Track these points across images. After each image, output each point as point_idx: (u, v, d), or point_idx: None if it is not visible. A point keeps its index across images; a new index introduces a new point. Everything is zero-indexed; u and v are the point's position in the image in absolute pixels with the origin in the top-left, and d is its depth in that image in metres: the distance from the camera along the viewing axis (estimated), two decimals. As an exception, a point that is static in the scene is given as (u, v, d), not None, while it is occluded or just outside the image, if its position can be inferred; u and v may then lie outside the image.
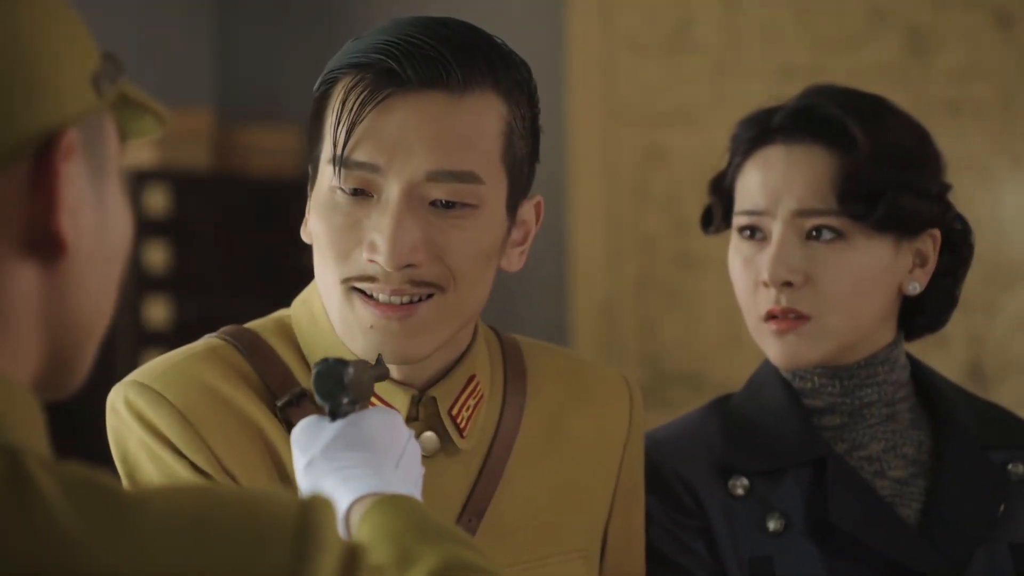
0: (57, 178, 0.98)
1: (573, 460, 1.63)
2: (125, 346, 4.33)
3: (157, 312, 4.40)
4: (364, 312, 1.49)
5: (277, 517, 0.92)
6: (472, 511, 1.55)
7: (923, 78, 3.87)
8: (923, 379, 1.89)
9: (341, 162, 1.47)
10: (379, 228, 1.46)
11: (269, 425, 1.51)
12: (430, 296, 1.49)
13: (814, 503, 1.80)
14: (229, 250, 4.54)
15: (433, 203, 1.48)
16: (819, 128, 1.81)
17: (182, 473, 1.48)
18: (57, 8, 1.00)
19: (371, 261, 1.47)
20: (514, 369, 1.64)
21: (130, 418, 1.49)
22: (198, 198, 4.53)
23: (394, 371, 1.53)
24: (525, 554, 1.58)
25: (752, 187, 1.83)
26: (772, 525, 1.79)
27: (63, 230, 0.98)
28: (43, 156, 0.98)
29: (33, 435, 0.96)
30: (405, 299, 1.48)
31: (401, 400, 1.54)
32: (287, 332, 1.57)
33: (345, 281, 1.49)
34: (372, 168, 1.47)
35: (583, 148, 4.22)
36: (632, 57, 4.21)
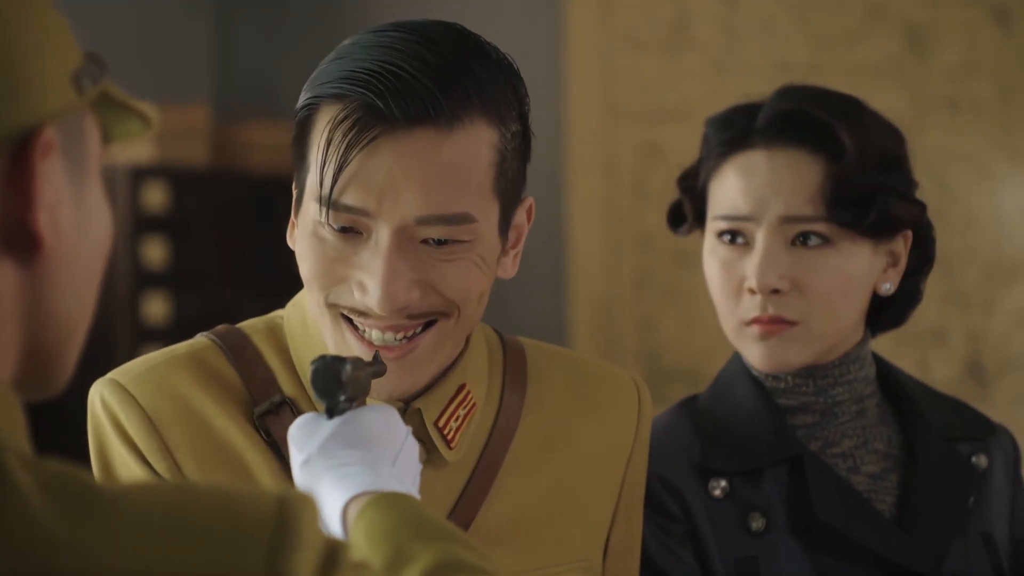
0: (35, 175, 0.97)
1: (576, 467, 1.59)
2: (124, 343, 4.33)
3: (155, 308, 4.40)
4: (356, 348, 1.46)
5: (255, 514, 0.91)
6: (456, 521, 1.52)
7: (922, 75, 3.87)
8: (888, 375, 1.90)
9: (329, 204, 1.43)
10: (370, 271, 1.43)
11: (241, 437, 1.49)
12: (431, 323, 1.47)
13: (794, 501, 1.80)
14: (227, 246, 4.54)
15: (424, 241, 1.44)
16: (803, 133, 1.79)
17: (142, 477, 1.47)
18: (39, 6, 1.00)
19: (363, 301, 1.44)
20: (514, 376, 1.61)
21: (103, 416, 1.50)
22: (196, 194, 4.53)
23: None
24: (520, 565, 1.54)
25: (732, 192, 1.81)
26: (754, 525, 1.79)
27: (40, 227, 0.97)
28: (21, 153, 0.97)
29: (12, 432, 0.96)
30: (400, 336, 1.45)
31: None
32: (277, 335, 1.55)
33: (332, 306, 1.47)
34: (361, 212, 1.42)
35: (581, 145, 4.22)
36: (630, 54, 4.21)
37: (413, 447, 1.39)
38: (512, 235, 1.53)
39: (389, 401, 1.49)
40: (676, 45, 4.16)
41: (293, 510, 0.92)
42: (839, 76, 3.76)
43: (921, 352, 3.77)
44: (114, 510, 0.90)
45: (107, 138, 1.07)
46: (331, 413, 1.37)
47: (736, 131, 1.82)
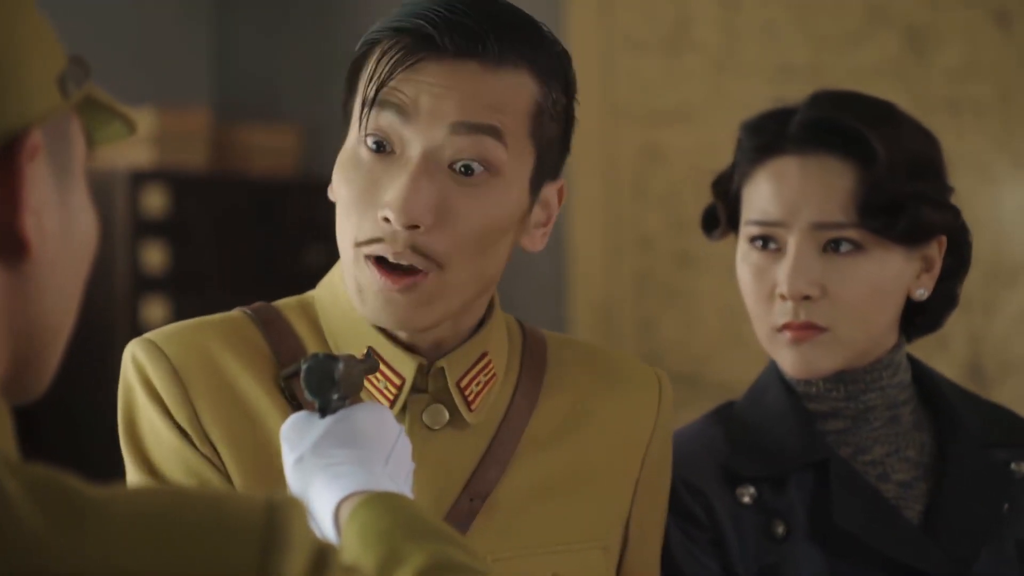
0: (21, 179, 0.97)
1: (593, 450, 1.61)
2: (123, 346, 4.32)
3: (155, 312, 4.40)
4: (373, 276, 1.49)
5: (244, 517, 0.91)
6: (473, 491, 1.54)
7: (922, 77, 3.86)
8: (924, 380, 1.89)
9: (371, 104, 1.48)
10: (395, 184, 1.47)
11: (265, 400, 1.52)
12: (428, 272, 1.49)
13: (817, 507, 1.80)
14: (227, 250, 4.54)
15: (452, 167, 1.48)
16: (835, 140, 1.80)
17: (163, 430, 1.52)
18: (23, 9, 1.00)
19: (384, 219, 1.47)
20: (532, 359, 1.63)
21: (132, 371, 1.55)
22: (196, 198, 4.52)
23: (405, 335, 1.54)
24: (534, 540, 1.56)
25: (764, 197, 1.82)
26: (777, 531, 1.79)
27: (26, 231, 0.97)
28: (7, 156, 0.97)
29: None
30: (409, 264, 1.48)
31: (408, 367, 1.54)
32: (308, 309, 1.59)
33: (358, 246, 1.50)
34: (398, 109, 1.48)
35: (582, 146, 4.20)
36: (631, 55, 4.21)
37: (406, 446, 1.40)
38: (541, 212, 1.57)
39: (398, 328, 1.52)
40: (676, 46, 4.16)
41: (283, 513, 0.92)
42: (840, 78, 3.75)
43: (922, 355, 3.74)
44: (103, 514, 0.90)
45: (91, 141, 1.07)
46: (323, 411, 1.38)
47: (768, 137, 1.83)
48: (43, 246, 0.99)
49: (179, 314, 4.41)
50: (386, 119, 1.48)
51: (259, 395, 1.53)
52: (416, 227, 1.47)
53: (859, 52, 3.93)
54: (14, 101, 0.97)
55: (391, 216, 1.46)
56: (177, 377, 1.52)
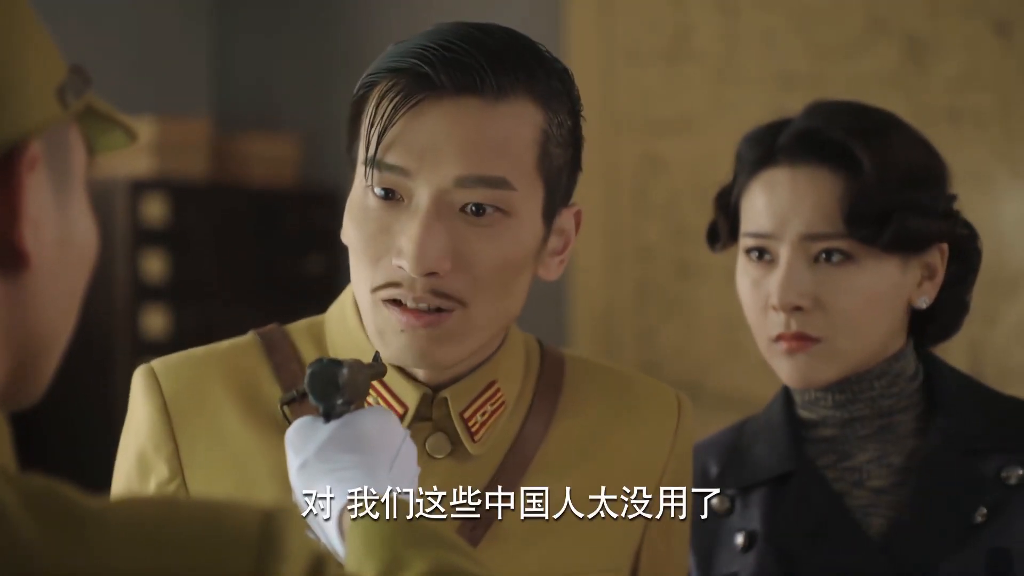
0: (20, 189, 0.97)
1: (607, 476, 1.57)
2: (123, 355, 4.32)
3: (155, 321, 4.40)
4: (394, 317, 1.48)
5: (240, 526, 0.92)
6: (477, 520, 1.52)
7: (922, 86, 3.86)
8: (934, 383, 1.88)
9: (373, 163, 1.47)
10: (407, 233, 1.45)
11: (253, 444, 1.52)
12: (453, 310, 1.47)
13: (775, 519, 1.81)
14: (227, 259, 4.54)
15: (463, 209, 1.46)
16: (824, 151, 1.80)
17: (130, 458, 1.53)
18: (22, 20, 1.00)
19: (398, 267, 1.46)
20: (548, 384, 1.61)
21: (131, 395, 1.56)
22: (196, 207, 4.53)
23: (422, 372, 1.53)
24: (545, 568, 1.54)
25: (758, 209, 1.83)
26: (739, 541, 1.80)
27: (25, 242, 0.97)
28: (6, 167, 0.97)
29: None
30: (434, 307, 1.47)
31: (411, 396, 1.53)
32: (316, 332, 1.59)
33: (375, 291, 1.49)
34: (402, 172, 1.46)
35: (582, 156, 4.21)
36: (631, 65, 4.21)
37: (411, 450, 1.40)
38: (557, 240, 1.56)
39: (426, 367, 1.51)
40: (677, 56, 4.16)
41: (279, 522, 0.93)
42: (840, 87, 3.75)
43: (922, 363, 3.75)
44: (97, 524, 0.90)
45: (91, 150, 1.07)
46: (328, 416, 1.38)
47: (763, 149, 1.84)
48: (42, 256, 0.99)
49: (179, 323, 4.41)
50: (390, 178, 1.47)
51: (248, 438, 1.53)
52: (434, 274, 1.45)
53: (859, 61, 3.93)
54: (13, 111, 0.97)
55: (407, 266, 1.45)
56: (166, 411, 1.53)
